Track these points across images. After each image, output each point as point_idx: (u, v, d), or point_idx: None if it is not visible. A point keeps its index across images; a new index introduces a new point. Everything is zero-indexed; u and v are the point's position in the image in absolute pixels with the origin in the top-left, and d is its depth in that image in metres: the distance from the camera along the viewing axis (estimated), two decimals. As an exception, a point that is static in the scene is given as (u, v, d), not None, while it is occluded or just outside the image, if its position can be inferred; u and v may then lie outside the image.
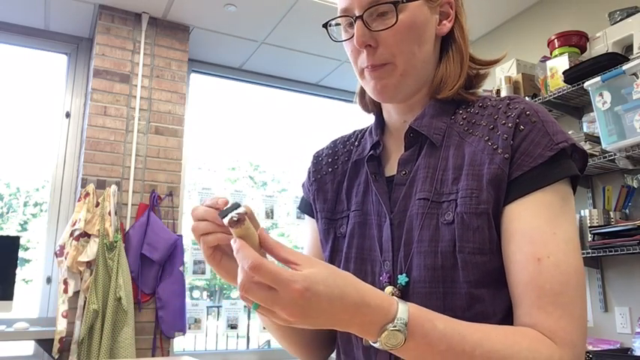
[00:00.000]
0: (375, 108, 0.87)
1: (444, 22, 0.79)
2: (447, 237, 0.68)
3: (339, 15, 0.77)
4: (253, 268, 0.54)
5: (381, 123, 0.86)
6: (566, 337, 0.62)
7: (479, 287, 0.67)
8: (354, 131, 0.93)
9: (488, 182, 0.68)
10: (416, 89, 0.78)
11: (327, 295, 0.55)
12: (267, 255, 0.60)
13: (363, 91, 0.88)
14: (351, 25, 0.76)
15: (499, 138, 0.70)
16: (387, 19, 0.73)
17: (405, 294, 0.70)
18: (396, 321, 0.57)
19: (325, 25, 0.80)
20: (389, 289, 0.70)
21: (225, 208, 0.61)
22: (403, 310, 0.58)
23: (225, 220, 0.60)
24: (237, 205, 0.61)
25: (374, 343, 0.59)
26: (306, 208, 0.91)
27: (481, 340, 0.59)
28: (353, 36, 0.75)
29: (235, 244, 0.57)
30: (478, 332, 0.60)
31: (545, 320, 0.62)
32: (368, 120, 0.92)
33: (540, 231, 0.65)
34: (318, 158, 0.92)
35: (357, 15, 0.73)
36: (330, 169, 0.88)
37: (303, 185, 0.94)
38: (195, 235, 0.66)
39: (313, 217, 0.88)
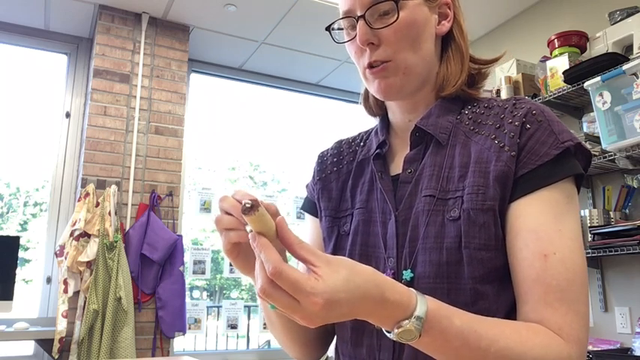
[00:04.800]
0: (380, 111, 0.88)
1: (443, 22, 0.80)
2: (452, 233, 0.69)
3: (341, 17, 0.79)
4: (274, 274, 0.53)
5: (386, 123, 0.87)
6: (572, 333, 0.63)
7: (483, 283, 0.67)
8: (359, 133, 0.94)
9: (495, 179, 0.69)
10: (419, 87, 0.79)
11: (348, 301, 0.55)
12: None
13: (367, 95, 0.90)
14: (353, 26, 0.77)
15: (506, 136, 0.71)
16: (389, 17, 0.75)
17: None
18: (412, 318, 0.57)
19: (328, 29, 0.81)
20: None
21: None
22: (421, 306, 0.58)
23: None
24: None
25: (388, 333, 0.59)
26: (309, 207, 0.91)
27: (496, 336, 0.60)
28: (355, 37, 0.76)
29: (256, 241, 0.56)
30: (494, 329, 0.61)
31: (551, 316, 0.63)
32: (369, 119, 0.93)
33: (546, 228, 0.66)
34: (322, 158, 0.93)
35: (358, 15, 0.75)
36: (334, 169, 0.89)
37: (307, 186, 0.95)
38: (217, 228, 0.65)
39: (316, 217, 0.89)
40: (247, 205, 0.56)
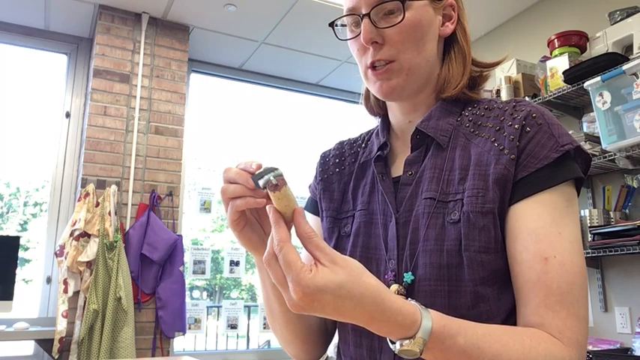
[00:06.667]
0: (381, 110, 0.88)
1: (447, 23, 0.80)
2: (452, 236, 0.69)
3: (345, 14, 0.78)
4: (277, 249, 0.57)
5: (387, 124, 0.87)
6: (572, 336, 0.63)
7: (484, 286, 0.67)
8: (361, 134, 0.94)
9: (494, 182, 0.68)
10: (420, 88, 0.79)
11: (334, 304, 0.55)
12: None
13: (368, 95, 0.90)
14: (357, 24, 0.77)
15: (505, 139, 0.71)
16: (394, 17, 0.75)
17: (410, 292, 0.70)
18: (415, 338, 0.57)
19: (331, 25, 0.81)
20: (394, 287, 0.71)
21: (259, 171, 0.61)
22: (426, 328, 0.57)
23: (262, 182, 0.59)
24: (272, 169, 0.60)
25: (392, 343, 0.60)
26: (312, 207, 0.91)
27: (499, 351, 0.60)
28: (359, 35, 0.76)
29: (272, 215, 0.59)
30: (497, 343, 0.60)
31: (552, 319, 0.63)
32: (369, 120, 0.93)
33: (546, 231, 0.66)
34: (325, 158, 0.93)
35: (363, 13, 0.75)
36: (336, 170, 0.89)
37: (309, 186, 0.95)
38: (223, 198, 0.65)
39: (318, 216, 0.89)
40: (273, 182, 0.58)
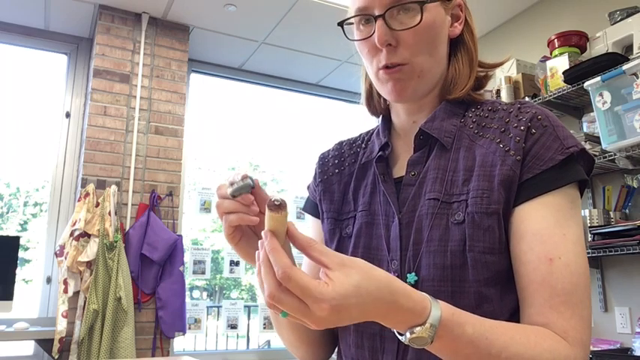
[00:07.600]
0: (384, 110, 0.88)
1: (455, 24, 0.80)
2: (456, 236, 0.69)
3: (356, 14, 0.76)
4: (283, 278, 0.53)
5: (388, 125, 0.86)
6: (577, 336, 0.63)
7: (488, 287, 0.68)
8: (360, 134, 0.93)
9: (500, 183, 0.69)
10: (429, 89, 0.79)
11: (358, 306, 0.55)
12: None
13: (370, 95, 0.89)
14: (365, 23, 0.76)
15: (511, 140, 0.71)
16: (408, 18, 0.73)
17: None
18: (425, 325, 0.57)
19: (341, 24, 0.79)
20: None
21: (236, 185, 0.62)
22: (435, 315, 0.57)
23: (230, 190, 0.61)
24: (248, 183, 0.62)
25: (400, 335, 0.59)
26: (311, 209, 0.91)
27: (506, 343, 0.60)
28: (369, 36, 0.75)
29: (267, 241, 0.56)
30: (504, 335, 0.61)
31: (557, 320, 0.64)
32: (368, 120, 0.92)
33: (551, 232, 0.66)
34: (324, 159, 0.92)
35: (377, 14, 0.74)
36: (336, 171, 0.89)
37: (308, 187, 0.94)
38: (218, 213, 0.66)
39: (318, 218, 0.89)
40: (276, 203, 0.56)
